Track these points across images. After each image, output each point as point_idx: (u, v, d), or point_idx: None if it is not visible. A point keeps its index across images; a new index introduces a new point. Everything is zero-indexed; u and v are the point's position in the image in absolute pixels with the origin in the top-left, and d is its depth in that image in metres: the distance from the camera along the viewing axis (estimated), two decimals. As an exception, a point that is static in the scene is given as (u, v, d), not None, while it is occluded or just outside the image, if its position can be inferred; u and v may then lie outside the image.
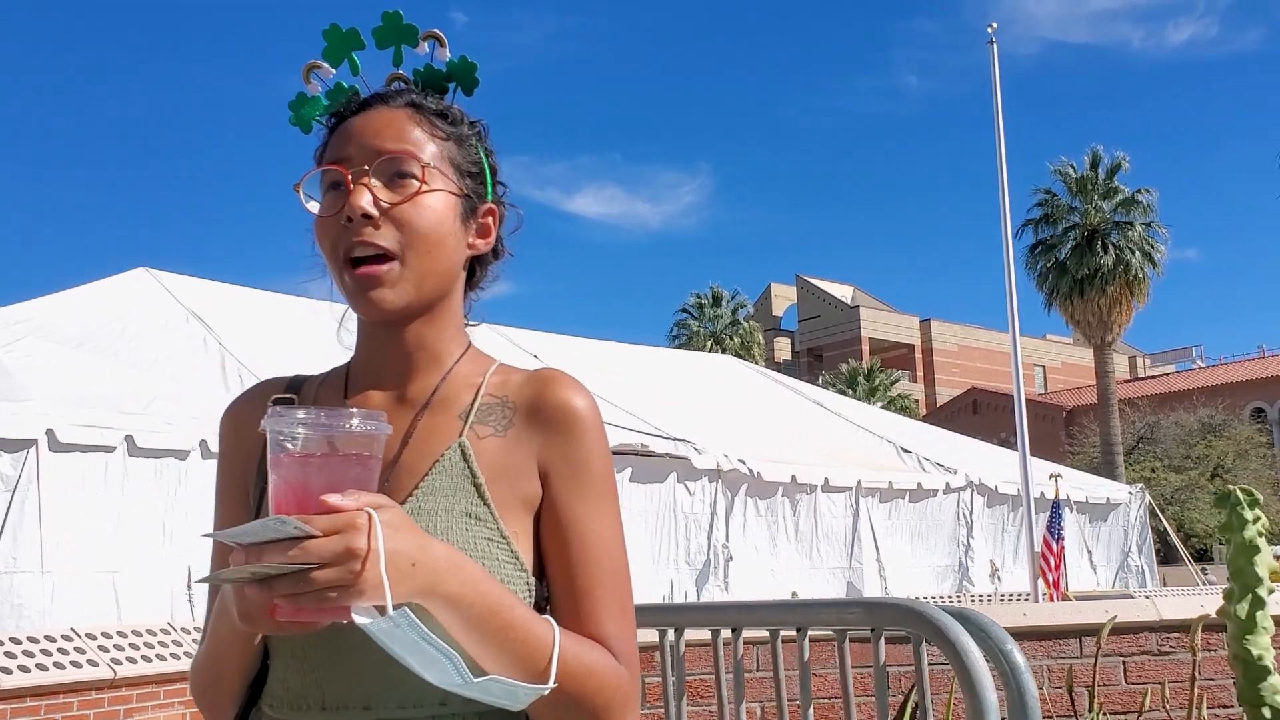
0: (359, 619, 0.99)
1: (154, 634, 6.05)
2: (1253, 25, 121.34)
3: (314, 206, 1.23)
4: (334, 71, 1.36)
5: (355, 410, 1.04)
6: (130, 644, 6.01)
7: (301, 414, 1.02)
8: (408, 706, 1.14)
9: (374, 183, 1.19)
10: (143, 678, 5.68)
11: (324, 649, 1.15)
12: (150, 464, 7.29)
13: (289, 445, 1.01)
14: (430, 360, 1.28)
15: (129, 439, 7.19)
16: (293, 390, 1.32)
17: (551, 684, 1.09)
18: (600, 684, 1.15)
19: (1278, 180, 49.62)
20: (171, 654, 5.93)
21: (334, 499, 0.97)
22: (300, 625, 1.01)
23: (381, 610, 0.98)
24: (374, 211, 1.18)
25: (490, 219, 1.32)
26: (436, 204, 1.22)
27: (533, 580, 1.20)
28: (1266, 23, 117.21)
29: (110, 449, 7.11)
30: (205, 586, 1.31)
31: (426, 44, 1.35)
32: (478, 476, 1.20)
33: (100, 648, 5.83)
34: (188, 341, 9.41)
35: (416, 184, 1.21)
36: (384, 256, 1.19)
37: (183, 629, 6.23)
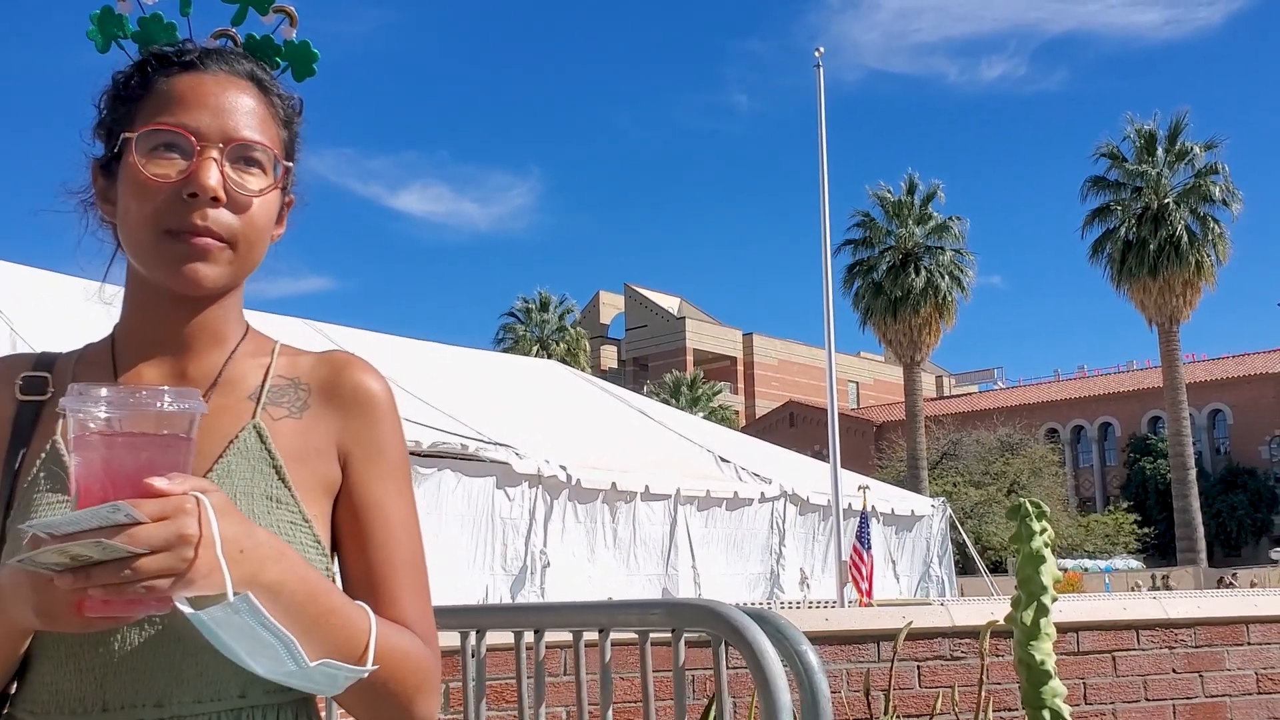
0: (185, 609, 0.94)
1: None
2: (1058, 68, 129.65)
3: (154, 168, 1.13)
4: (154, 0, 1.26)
5: (166, 388, 0.98)
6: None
7: (107, 392, 0.94)
8: (204, 701, 1.09)
9: (224, 163, 1.14)
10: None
11: (107, 647, 1.08)
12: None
13: (94, 426, 0.93)
14: (213, 340, 1.22)
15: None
16: (42, 368, 1.23)
17: (370, 667, 1.07)
18: (413, 667, 1.14)
19: (1077, 215, 52.99)
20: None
21: (160, 483, 0.92)
22: (112, 620, 0.95)
23: (209, 599, 0.94)
24: (223, 195, 1.13)
25: (288, 208, 1.29)
26: (271, 199, 1.19)
27: (333, 566, 1.19)
28: (1070, 66, 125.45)
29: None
30: None
31: (275, 16, 1.29)
32: (276, 458, 1.17)
33: None
34: (-26, 325, 8.80)
35: (263, 177, 1.17)
36: (217, 239, 1.14)
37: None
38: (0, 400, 1.21)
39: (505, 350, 45.71)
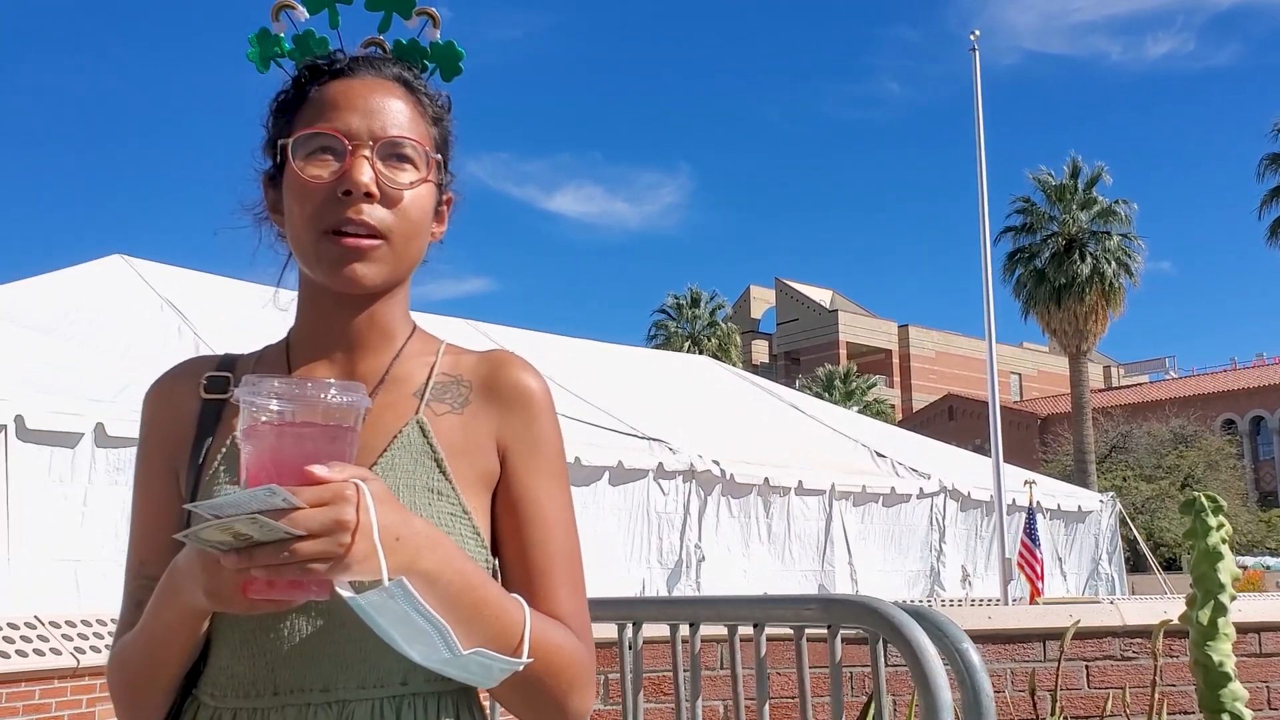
0: (344, 592, 0.97)
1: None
2: (1229, 41, 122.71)
3: (311, 170, 1.19)
4: (306, 16, 1.32)
5: (332, 380, 1.03)
6: (95, 633, 5.94)
7: (278, 383, 0.99)
8: (368, 687, 1.13)
9: (376, 160, 1.19)
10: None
11: (277, 633, 1.13)
12: (118, 453, 7.20)
13: (265, 416, 0.98)
14: (382, 339, 1.27)
15: (99, 427, 7.11)
16: (225, 369, 1.30)
17: (525, 659, 1.10)
18: (566, 661, 1.16)
19: (1253, 196, 50.13)
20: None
21: (320, 470, 0.96)
22: (274, 603, 0.99)
23: (368, 584, 0.97)
24: (376, 190, 1.17)
25: (447, 207, 1.33)
26: (424, 192, 1.23)
27: (492, 559, 1.21)
28: (1243, 39, 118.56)
29: (79, 435, 7.03)
30: None
31: (419, 20, 1.33)
32: (438, 452, 1.20)
33: (64, 636, 5.77)
34: (161, 330, 9.33)
35: (414, 172, 1.22)
36: (372, 234, 1.18)
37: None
38: (186, 398, 1.28)
39: (657, 347, 45.95)
